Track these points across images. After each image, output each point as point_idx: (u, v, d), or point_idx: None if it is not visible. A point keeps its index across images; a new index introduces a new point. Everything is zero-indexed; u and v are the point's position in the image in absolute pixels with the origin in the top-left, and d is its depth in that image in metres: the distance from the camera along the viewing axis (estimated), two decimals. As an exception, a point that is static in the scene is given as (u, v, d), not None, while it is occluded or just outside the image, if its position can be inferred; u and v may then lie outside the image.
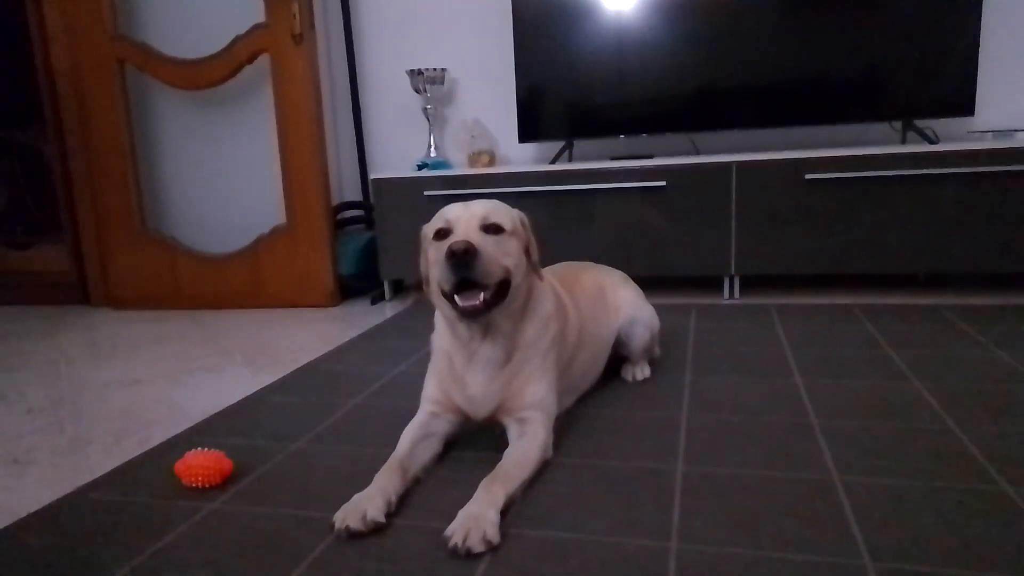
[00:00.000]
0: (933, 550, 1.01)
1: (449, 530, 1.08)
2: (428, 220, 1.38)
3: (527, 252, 1.39)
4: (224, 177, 3.40)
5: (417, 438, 1.36)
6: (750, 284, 2.88)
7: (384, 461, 1.28)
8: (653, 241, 2.71)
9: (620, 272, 1.92)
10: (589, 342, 1.63)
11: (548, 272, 1.59)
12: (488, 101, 3.20)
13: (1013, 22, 2.69)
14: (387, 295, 3.09)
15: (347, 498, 1.17)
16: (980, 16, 2.50)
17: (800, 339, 2.11)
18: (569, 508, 1.18)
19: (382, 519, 1.13)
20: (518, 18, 2.89)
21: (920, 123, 2.64)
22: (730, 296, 2.75)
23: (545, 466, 1.33)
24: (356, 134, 3.32)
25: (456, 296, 1.27)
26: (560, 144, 2.99)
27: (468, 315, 1.28)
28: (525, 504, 1.20)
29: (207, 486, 1.31)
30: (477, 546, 1.04)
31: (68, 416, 1.83)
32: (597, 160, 2.91)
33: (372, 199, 3.02)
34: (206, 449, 1.34)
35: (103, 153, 3.13)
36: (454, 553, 1.04)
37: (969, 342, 1.99)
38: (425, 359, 1.49)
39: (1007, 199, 2.41)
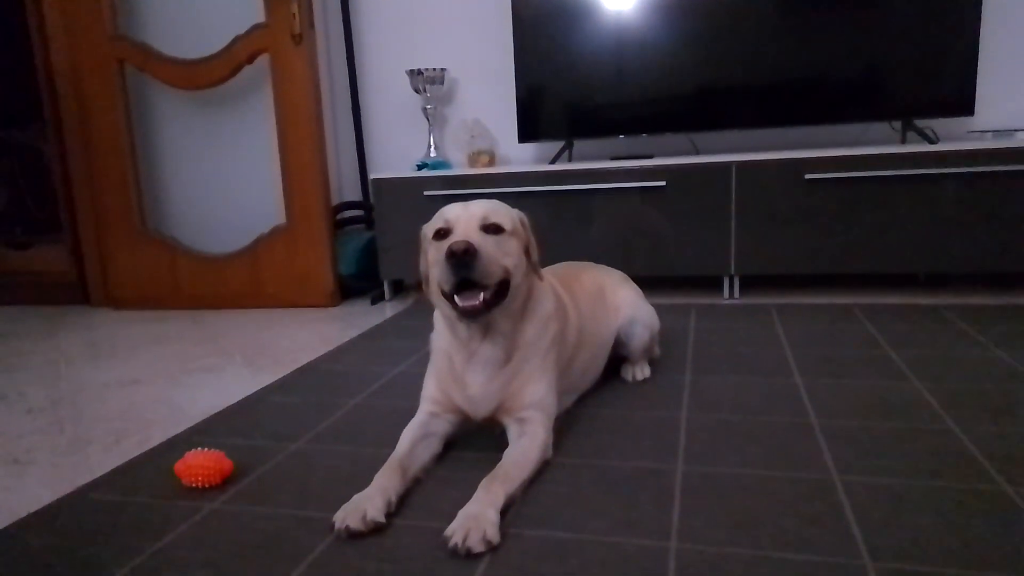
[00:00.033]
0: (933, 550, 1.01)
1: (449, 530, 1.08)
2: (428, 220, 1.38)
3: (527, 252, 1.39)
4: (224, 177, 3.41)
5: (417, 438, 1.36)
6: (750, 284, 2.88)
7: (384, 461, 1.28)
8: (653, 241, 2.71)
9: (620, 272, 1.93)
10: (589, 342, 1.63)
11: (548, 272, 1.59)
12: (488, 101, 3.20)
13: (1013, 22, 2.69)
14: (387, 295, 3.09)
15: (347, 498, 1.17)
16: (980, 16, 2.50)
17: (800, 339, 2.11)
18: (569, 508, 1.18)
19: (382, 519, 1.13)
20: (518, 18, 2.89)
21: (920, 123, 2.64)
22: (730, 296, 2.75)
23: (545, 466, 1.33)
24: (356, 134, 3.32)
25: (456, 296, 1.27)
26: (560, 144, 2.99)
27: (468, 315, 1.28)
28: (525, 504, 1.20)
29: (207, 486, 1.31)
30: (477, 546, 1.04)
31: (68, 416, 1.83)
32: (597, 160, 2.91)
33: (372, 199, 3.02)
34: (206, 449, 1.34)
35: (103, 153, 3.12)
36: (454, 553, 1.04)
37: (969, 342, 1.99)
38: (425, 359, 1.49)
39: (1007, 199, 2.41)
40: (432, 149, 3.16)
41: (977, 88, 2.55)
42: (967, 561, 0.98)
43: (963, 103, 2.57)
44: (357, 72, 3.29)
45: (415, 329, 2.47)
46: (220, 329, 2.72)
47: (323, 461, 1.42)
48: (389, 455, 1.30)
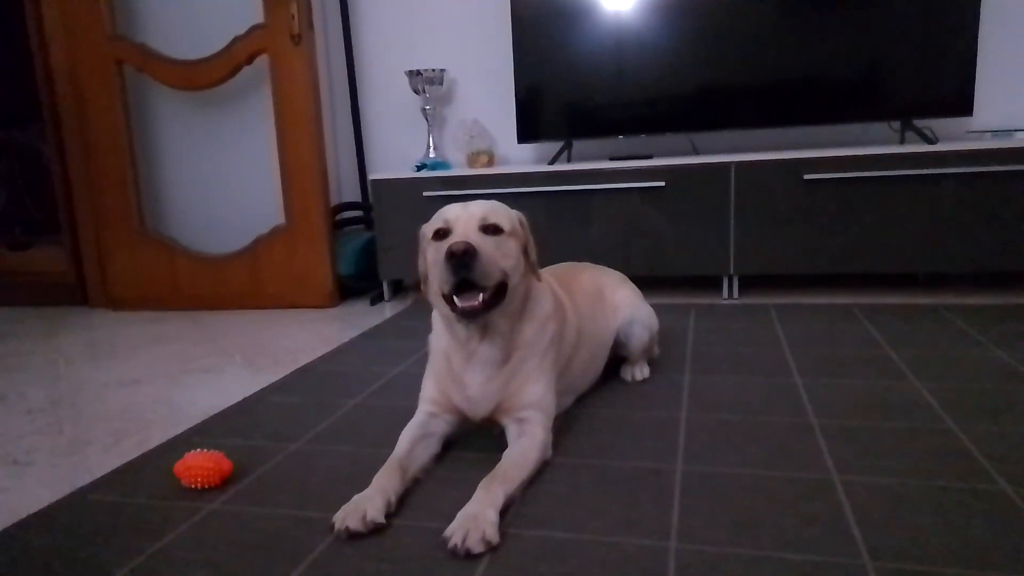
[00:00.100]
0: (933, 550, 1.01)
1: (448, 530, 1.08)
2: (427, 221, 1.38)
3: (525, 252, 1.39)
4: (223, 177, 3.40)
5: (416, 438, 1.36)
6: (749, 284, 2.88)
7: (383, 461, 1.28)
8: (652, 241, 2.71)
9: (619, 272, 1.93)
10: (588, 342, 1.63)
11: (547, 272, 1.59)
12: (487, 101, 3.20)
13: (1012, 22, 2.69)
14: (386, 295, 3.09)
15: (347, 498, 1.17)
16: (979, 16, 2.50)
17: (799, 339, 2.11)
18: (568, 508, 1.18)
19: (382, 519, 1.13)
20: (517, 18, 2.89)
21: (919, 123, 2.64)
22: (729, 296, 2.75)
23: (544, 466, 1.33)
24: (355, 134, 3.32)
25: (455, 297, 1.27)
26: (559, 144, 2.99)
27: (467, 316, 1.28)
28: (524, 504, 1.20)
29: (206, 487, 1.31)
30: (476, 546, 1.04)
31: (67, 417, 1.83)
32: (596, 160, 2.91)
33: (371, 199, 3.02)
34: (205, 450, 1.34)
35: (102, 153, 3.12)
36: (453, 553, 1.04)
37: (968, 341, 2.00)
38: (424, 359, 1.49)
39: (1006, 199, 2.41)
40: (431, 149, 3.16)
41: (976, 88, 2.55)
42: (967, 561, 0.98)
43: (962, 103, 2.57)
44: (356, 73, 3.29)
45: (414, 329, 2.47)
46: (219, 329, 2.72)
47: (323, 461, 1.42)
48: (388, 455, 1.30)
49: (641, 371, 1.83)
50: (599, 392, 1.73)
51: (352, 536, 1.11)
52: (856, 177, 2.50)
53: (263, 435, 1.58)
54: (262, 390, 1.91)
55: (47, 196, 3.64)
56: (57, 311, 3.27)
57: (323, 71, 3.16)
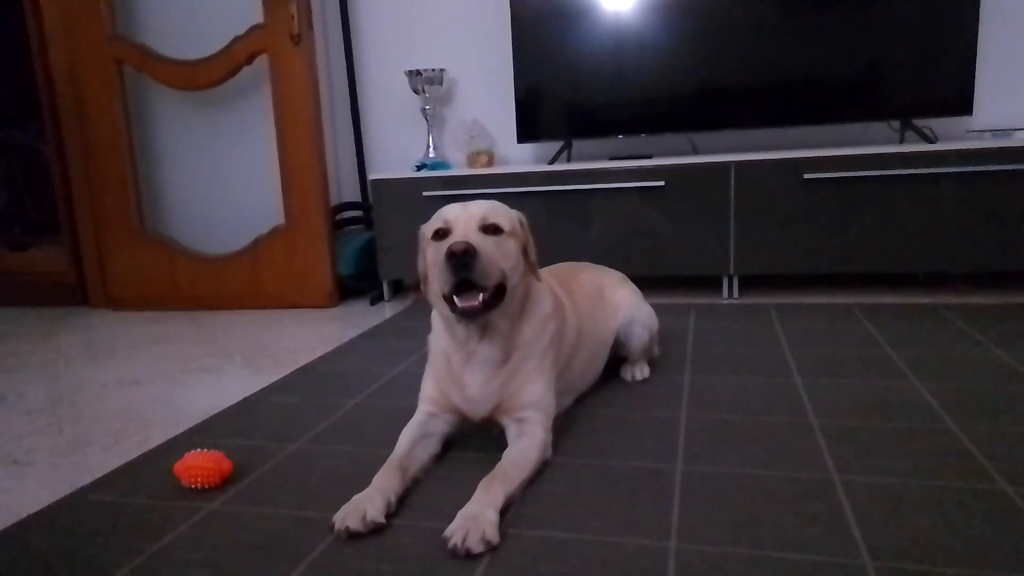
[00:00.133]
0: (933, 549, 1.01)
1: (448, 530, 1.08)
2: (427, 220, 1.38)
3: (525, 253, 1.39)
4: (223, 177, 3.40)
5: (416, 438, 1.36)
6: (749, 284, 2.89)
7: (383, 461, 1.28)
8: (652, 241, 2.71)
9: (618, 272, 1.93)
10: (587, 342, 1.63)
11: (546, 272, 1.59)
12: (487, 101, 3.20)
13: (1011, 21, 2.69)
14: (386, 295, 3.09)
15: (347, 498, 1.17)
16: (978, 15, 2.50)
17: (799, 339, 2.11)
18: (568, 508, 1.18)
19: (382, 519, 1.13)
20: (516, 18, 2.89)
21: (919, 122, 2.64)
22: (729, 296, 2.75)
23: (544, 466, 1.33)
24: (355, 134, 3.32)
25: (455, 297, 1.27)
26: (559, 144, 2.99)
27: (466, 316, 1.28)
28: (524, 504, 1.20)
29: (206, 487, 1.31)
30: (476, 546, 1.04)
31: (67, 417, 1.82)
32: (596, 160, 2.91)
33: (371, 199, 3.02)
34: (205, 450, 1.34)
35: (101, 153, 3.12)
36: (453, 553, 1.04)
37: (968, 341, 2.00)
38: (424, 359, 1.49)
39: (1006, 198, 2.41)
40: (431, 149, 3.16)
41: (976, 88, 2.56)
42: (967, 561, 0.98)
43: (962, 103, 2.57)
44: (356, 73, 3.29)
45: (414, 329, 2.47)
46: (219, 329, 2.72)
47: (323, 461, 1.42)
48: (388, 455, 1.30)
49: (641, 371, 1.83)
50: (599, 392, 1.73)
51: (352, 536, 1.11)
52: (856, 177, 2.50)
53: (263, 435, 1.58)
54: (262, 390, 1.91)
55: (47, 196, 3.64)
56: (57, 311, 3.27)
57: (323, 71, 3.16)
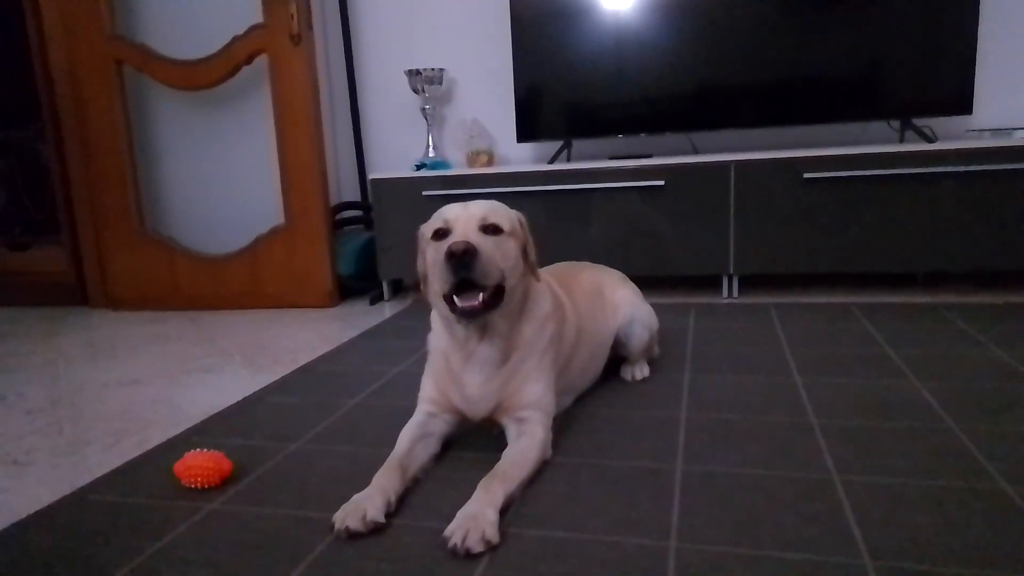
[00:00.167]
0: (932, 549, 1.01)
1: (448, 530, 1.08)
2: (427, 220, 1.37)
3: (525, 253, 1.39)
4: (223, 177, 3.40)
5: (415, 438, 1.36)
6: (749, 283, 2.89)
7: (383, 461, 1.28)
8: (652, 240, 2.71)
9: (618, 272, 1.92)
10: (587, 342, 1.63)
11: (546, 272, 1.59)
12: (486, 101, 3.20)
13: (1011, 20, 2.69)
14: (386, 295, 3.09)
15: (346, 498, 1.17)
16: (978, 14, 2.50)
17: (799, 338, 2.11)
18: (568, 507, 1.18)
19: (382, 519, 1.13)
20: (516, 18, 2.89)
21: (918, 122, 2.64)
22: (729, 295, 2.75)
23: (544, 465, 1.33)
24: (354, 134, 3.32)
25: (455, 296, 1.27)
26: (558, 144, 2.99)
27: (466, 315, 1.28)
28: (524, 503, 1.20)
29: (206, 487, 1.31)
30: (476, 546, 1.04)
31: (67, 417, 1.82)
32: (595, 160, 2.91)
33: (371, 199, 3.02)
34: (205, 450, 1.34)
35: (101, 153, 3.12)
36: (453, 553, 1.04)
37: (968, 341, 2.00)
38: (424, 359, 1.49)
39: (1005, 197, 2.41)
40: (431, 149, 3.16)
41: (975, 87, 2.56)
42: (967, 560, 0.98)
43: (961, 102, 2.57)
44: (356, 72, 3.29)
45: (414, 329, 2.47)
46: (219, 329, 2.72)
47: (322, 461, 1.42)
48: (388, 455, 1.30)
49: (641, 370, 1.83)
50: (599, 391, 1.73)
51: (352, 536, 1.11)
52: (855, 176, 2.50)
53: (263, 435, 1.58)
54: (262, 390, 1.91)
55: (46, 196, 3.64)
56: (57, 311, 3.27)
57: (322, 71, 3.16)
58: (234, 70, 2.99)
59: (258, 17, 2.87)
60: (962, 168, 2.41)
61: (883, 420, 1.47)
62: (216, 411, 1.77)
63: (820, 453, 1.33)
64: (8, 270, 3.54)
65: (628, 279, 1.91)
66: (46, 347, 2.59)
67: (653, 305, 1.86)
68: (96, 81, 3.07)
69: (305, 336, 2.52)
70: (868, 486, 1.19)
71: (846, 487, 1.19)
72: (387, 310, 2.88)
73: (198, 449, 1.34)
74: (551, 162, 2.92)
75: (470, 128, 3.09)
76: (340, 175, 3.40)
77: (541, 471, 1.31)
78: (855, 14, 2.60)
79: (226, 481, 1.33)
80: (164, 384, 2.06)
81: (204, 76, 3.02)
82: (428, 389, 1.44)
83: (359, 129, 3.32)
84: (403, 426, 1.39)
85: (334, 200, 3.22)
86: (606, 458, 1.36)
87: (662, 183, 2.65)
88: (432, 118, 3.16)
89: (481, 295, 1.26)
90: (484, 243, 1.26)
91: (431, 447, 1.38)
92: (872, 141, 2.79)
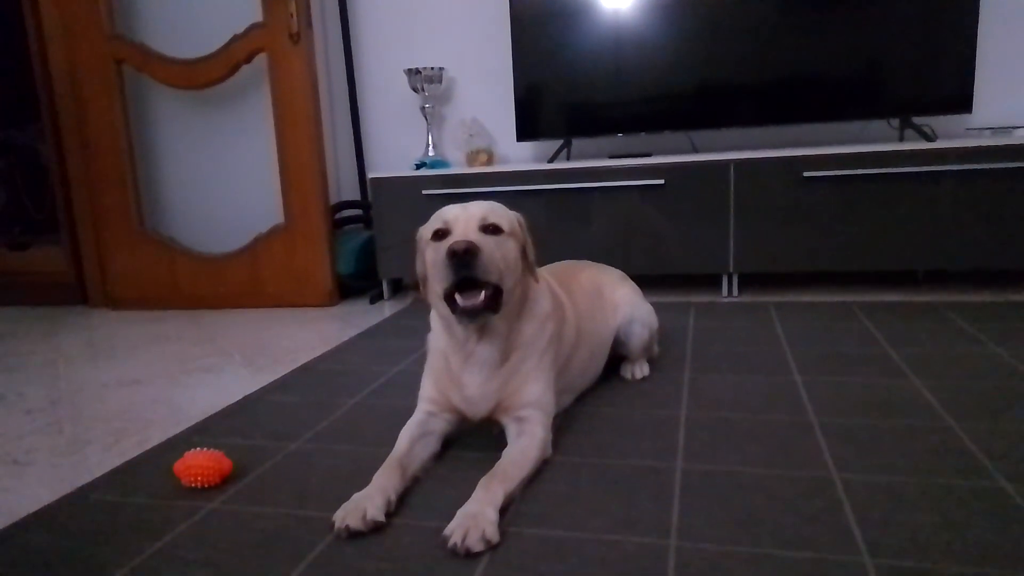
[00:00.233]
0: (932, 547, 1.01)
1: (448, 529, 1.08)
2: (427, 219, 1.37)
3: (524, 253, 1.39)
4: (222, 177, 3.40)
5: (415, 437, 1.36)
6: (749, 282, 2.89)
7: (383, 460, 1.28)
8: (652, 239, 2.71)
9: (618, 271, 1.92)
10: (587, 341, 1.63)
11: (546, 271, 1.59)
12: (486, 100, 3.20)
13: (1011, 19, 2.69)
14: (385, 294, 3.09)
15: (346, 497, 1.17)
16: (978, 13, 2.50)
17: (799, 337, 2.11)
18: (568, 506, 1.18)
19: (382, 518, 1.13)
20: (516, 17, 2.89)
21: (918, 120, 2.64)
22: (729, 294, 2.75)
23: (544, 465, 1.33)
24: (354, 133, 3.32)
25: (457, 295, 1.26)
26: (558, 143, 2.99)
27: (468, 313, 1.27)
28: (524, 503, 1.20)
29: (206, 486, 1.31)
30: (476, 545, 1.04)
31: (67, 416, 1.83)
32: (595, 158, 2.91)
33: (370, 198, 3.02)
34: (205, 449, 1.34)
35: (101, 153, 3.12)
36: (453, 552, 1.04)
37: (968, 339, 2.00)
38: (424, 358, 1.49)
39: (1005, 196, 2.41)
40: (430, 148, 3.16)
41: (975, 85, 2.55)
42: (966, 558, 0.98)
43: (961, 100, 2.57)
44: (355, 71, 3.29)
45: (414, 328, 2.47)
46: (219, 329, 2.72)
47: (322, 460, 1.42)
48: (388, 454, 1.30)
49: (641, 369, 1.83)
50: (599, 391, 1.73)
51: (352, 535, 1.11)
52: (855, 175, 2.50)
53: (263, 434, 1.58)
54: (262, 389, 1.91)
55: (46, 196, 3.64)
56: (57, 311, 3.27)
57: (322, 70, 3.16)
58: (233, 69, 2.99)
59: (257, 16, 2.87)
60: (962, 167, 2.41)
61: (883, 419, 1.47)
62: (216, 410, 1.77)
63: (820, 452, 1.33)
64: (8, 270, 3.54)
65: (628, 278, 1.91)
66: (46, 347, 2.59)
67: (653, 304, 1.86)
68: (96, 81, 3.06)
69: (305, 335, 2.52)
70: (868, 485, 1.19)
71: (846, 486, 1.19)
72: (387, 309, 2.88)
73: (198, 448, 1.34)
74: (551, 161, 2.92)
75: (470, 127, 3.09)
76: (340, 174, 3.40)
77: (541, 470, 1.31)
78: (855, 12, 2.60)
79: (226, 480, 1.33)
80: (164, 384, 2.06)
81: (204, 75, 3.01)
82: (428, 389, 1.44)
83: (359, 128, 3.32)
84: (403, 425, 1.39)
85: (334, 199, 3.22)
86: (606, 457, 1.36)
87: (662, 182, 2.65)
88: (432, 117, 3.16)
89: (483, 292, 1.26)
90: (485, 243, 1.26)
91: (431, 446, 1.38)
92: (872, 140, 2.79)
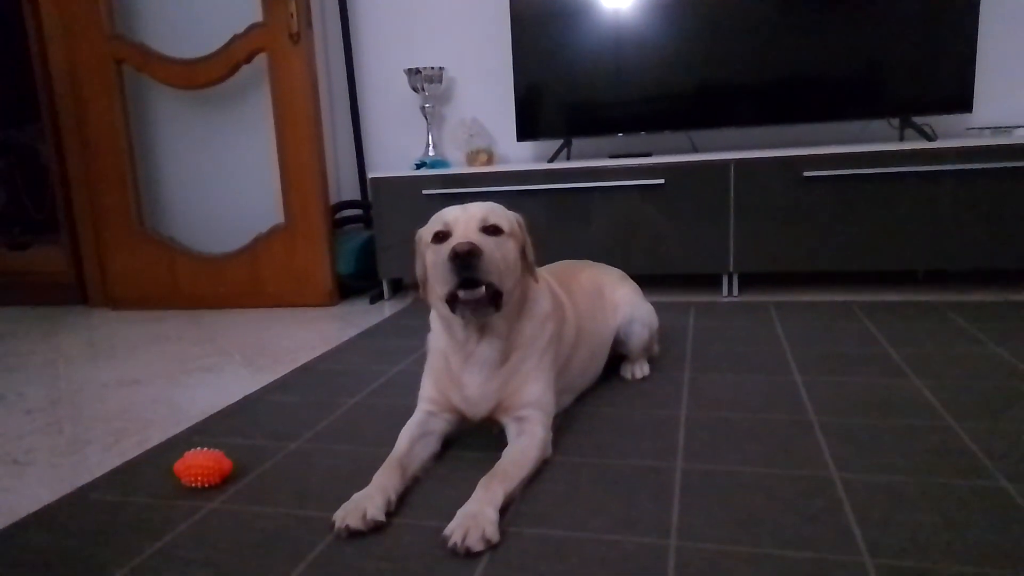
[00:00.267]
0: (932, 547, 1.01)
1: (448, 529, 1.08)
2: (427, 219, 1.37)
3: (523, 253, 1.39)
4: (222, 176, 3.40)
5: (415, 437, 1.36)
6: (749, 281, 2.88)
7: (383, 460, 1.28)
8: (652, 239, 2.71)
9: (618, 270, 1.92)
10: (587, 341, 1.63)
11: (546, 271, 1.59)
12: (486, 99, 3.20)
13: (1011, 18, 2.69)
14: (386, 294, 3.09)
15: (347, 497, 1.17)
16: (978, 12, 2.50)
17: (799, 336, 2.11)
18: (568, 506, 1.18)
19: (382, 518, 1.13)
20: (516, 16, 2.89)
21: (918, 120, 2.64)
22: (729, 294, 2.75)
23: (544, 464, 1.33)
24: (354, 133, 3.32)
25: (459, 291, 1.26)
26: (558, 142, 2.99)
27: (470, 307, 1.26)
28: (524, 502, 1.20)
29: (206, 486, 1.31)
30: (476, 545, 1.04)
31: (67, 416, 1.83)
32: (595, 158, 2.91)
33: (370, 198, 3.02)
34: (205, 449, 1.34)
35: (101, 153, 3.12)
36: (453, 552, 1.04)
37: (968, 339, 2.00)
38: (424, 358, 1.49)
39: (1006, 196, 2.41)
40: (430, 148, 3.16)
41: (975, 85, 2.55)
42: (966, 558, 0.98)
43: (961, 100, 2.57)
44: (355, 71, 3.29)
45: (414, 328, 2.47)
46: (219, 329, 2.72)
47: (322, 460, 1.42)
48: (388, 454, 1.30)
49: (641, 369, 1.83)
50: (599, 390, 1.73)
51: (352, 534, 1.11)
52: (855, 174, 2.50)
53: (263, 434, 1.58)
54: (262, 389, 1.91)
55: (46, 196, 3.64)
56: (57, 311, 3.27)
57: (322, 69, 3.16)
58: (233, 69, 2.99)
59: (257, 16, 2.87)
60: (962, 166, 2.41)
61: (883, 418, 1.47)
62: (216, 410, 1.77)
63: (820, 451, 1.33)
64: (8, 270, 3.54)
65: (628, 277, 1.91)
66: (46, 347, 2.60)
67: (653, 304, 1.86)
68: (96, 81, 3.06)
69: (305, 335, 2.52)
70: (868, 484, 1.19)
71: (846, 485, 1.19)
72: (387, 309, 2.88)
73: (198, 448, 1.34)
74: (551, 161, 2.92)
75: (470, 127, 3.09)
76: (340, 174, 3.40)
77: (541, 470, 1.31)
78: (855, 12, 2.60)
79: (226, 480, 1.33)
80: (164, 384, 2.06)
81: (204, 75, 3.01)
82: (428, 389, 1.44)
83: (359, 128, 3.32)
84: (403, 425, 1.39)
85: (334, 199, 3.22)
86: (606, 457, 1.36)
87: (662, 182, 2.65)
88: (432, 117, 3.16)
89: (484, 287, 1.25)
90: (486, 243, 1.26)
91: (431, 446, 1.38)
92: (872, 139, 2.79)
